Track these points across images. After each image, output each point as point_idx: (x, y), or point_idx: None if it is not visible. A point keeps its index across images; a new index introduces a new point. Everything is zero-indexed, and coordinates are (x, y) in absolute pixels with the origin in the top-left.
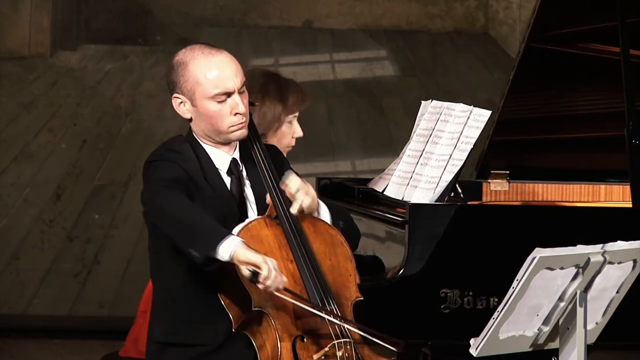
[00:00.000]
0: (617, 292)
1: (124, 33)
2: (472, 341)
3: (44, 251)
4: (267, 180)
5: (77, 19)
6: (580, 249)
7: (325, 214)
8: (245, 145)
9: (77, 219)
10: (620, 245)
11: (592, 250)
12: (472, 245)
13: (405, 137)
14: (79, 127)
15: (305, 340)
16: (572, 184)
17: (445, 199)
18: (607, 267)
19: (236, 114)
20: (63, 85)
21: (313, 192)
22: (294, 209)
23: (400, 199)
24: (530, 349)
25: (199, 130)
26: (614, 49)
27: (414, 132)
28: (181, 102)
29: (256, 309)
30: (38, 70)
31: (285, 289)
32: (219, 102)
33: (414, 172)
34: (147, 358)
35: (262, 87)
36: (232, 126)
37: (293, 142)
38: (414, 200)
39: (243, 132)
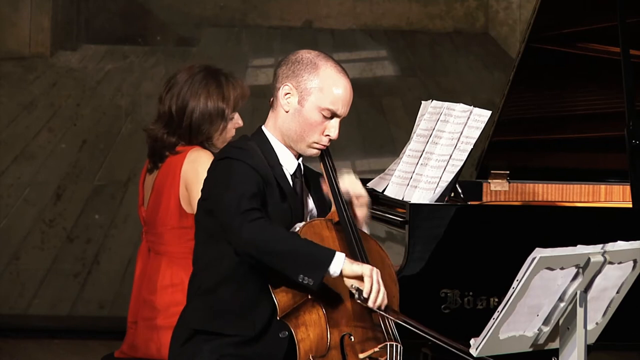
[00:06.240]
0: (617, 292)
1: (124, 33)
2: (472, 341)
3: (44, 251)
4: (335, 189)
5: (77, 19)
6: (581, 249)
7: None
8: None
9: (77, 219)
10: (620, 245)
11: (592, 251)
12: (472, 246)
13: (405, 137)
14: (79, 127)
15: (353, 338)
16: (572, 184)
17: (446, 199)
18: (607, 267)
19: (327, 135)
20: (63, 86)
21: (368, 202)
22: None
23: (401, 199)
24: (531, 349)
25: (283, 128)
26: (614, 49)
27: (414, 132)
28: (288, 94)
29: (311, 298)
30: (38, 71)
31: (385, 309)
32: (323, 116)
33: (414, 172)
34: (172, 343)
35: (204, 87)
36: (315, 143)
37: (234, 132)
38: (414, 201)
39: (317, 154)
